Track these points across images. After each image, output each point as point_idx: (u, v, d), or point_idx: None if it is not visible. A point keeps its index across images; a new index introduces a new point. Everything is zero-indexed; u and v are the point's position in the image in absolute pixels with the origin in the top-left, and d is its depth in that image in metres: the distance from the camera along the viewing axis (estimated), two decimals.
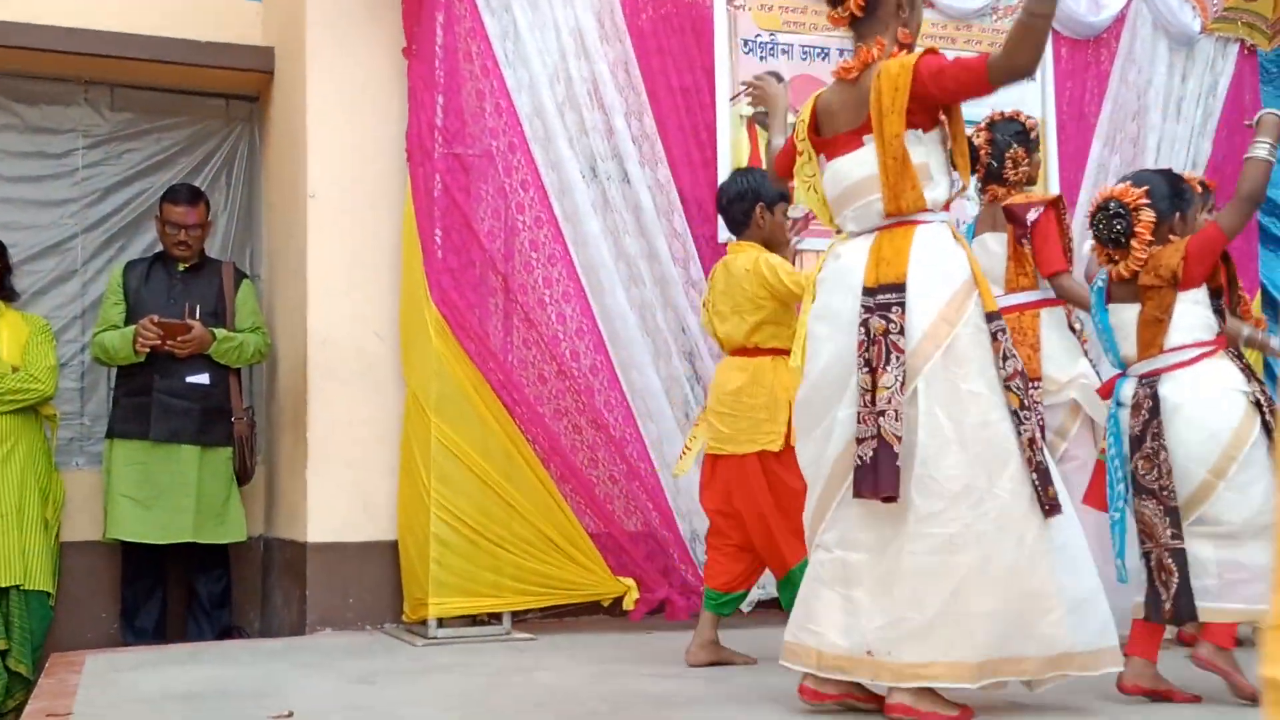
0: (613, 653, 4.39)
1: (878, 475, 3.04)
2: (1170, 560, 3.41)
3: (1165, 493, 3.43)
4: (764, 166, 4.38)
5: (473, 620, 4.75)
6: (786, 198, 4.23)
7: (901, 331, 3.07)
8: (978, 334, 3.10)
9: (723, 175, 5.04)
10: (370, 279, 5.02)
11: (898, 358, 3.06)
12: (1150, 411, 3.47)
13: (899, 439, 3.02)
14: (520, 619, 4.89)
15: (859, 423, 3.09)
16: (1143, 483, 3.47)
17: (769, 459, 4.07)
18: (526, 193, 4.99)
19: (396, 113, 5.02)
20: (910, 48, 3.26)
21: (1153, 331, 3.56)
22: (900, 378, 3.05)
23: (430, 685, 3.82)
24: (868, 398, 3.07)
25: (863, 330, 3.10)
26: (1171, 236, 3.60)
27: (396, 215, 5.00)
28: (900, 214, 3.19)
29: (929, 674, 3.01)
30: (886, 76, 3.13)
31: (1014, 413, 3.07)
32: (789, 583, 3.95)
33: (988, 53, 3.20)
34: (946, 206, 3.30)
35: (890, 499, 3.03)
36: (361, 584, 4.93)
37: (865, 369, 3.08)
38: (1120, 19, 6.03)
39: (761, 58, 5.42)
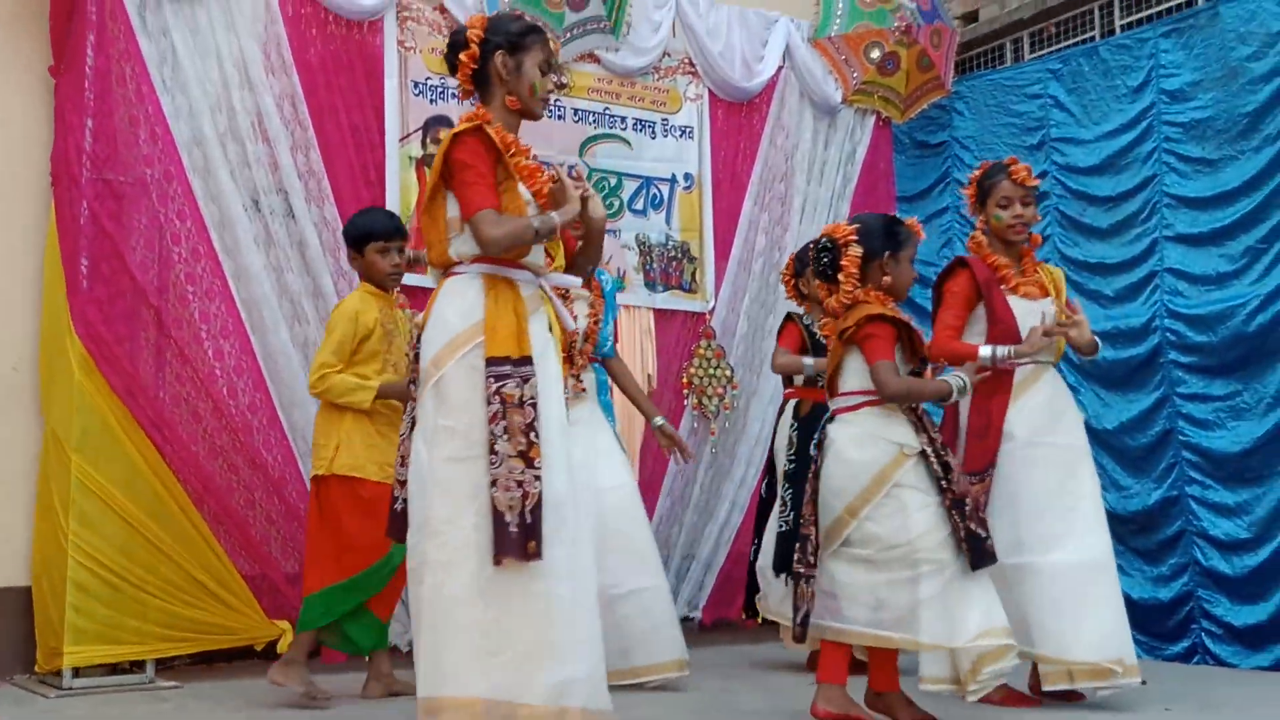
0: (260, 697, 4.30)
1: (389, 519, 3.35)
2: (804, 585, 3.70)
3: (805, 522, 3.73)
4: None
5: (113, 669, 4.56)
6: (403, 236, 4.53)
7: (414, 382, 3.29)
8: (470, 375, 3.16)
9: None
10: (8, 308, 4.82)
11: (410, 406, 3.28)
12: (819, 447, 3.75)
13: (400, 483, 3.28)
14: (166, 666, 4.72)
15: None
16: (801, 511, 3.79)
17: (316, 483, 4.33)
18: (183, 223, 4.89)
19: (41, 133, 4.86)
20: (524, 111, 3.39)
21: (832, 376, 3.85)
22: (408, 424, 3.27)
23: None
24: None
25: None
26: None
27: (40, 241, 4.82)
28: (438, 266, 3.35)
29: (441, 708, 3.02)
30: (444, 142, 3.29)
31: (492, 453, 3.08)
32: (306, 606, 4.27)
33: (477, 210, 3.23)
34: (515, 259, 3.28)
35: (395, 540, 3.35)
36: None
37: None
38: (771, 86, 6.39)
39: (431, 100, 5.53)
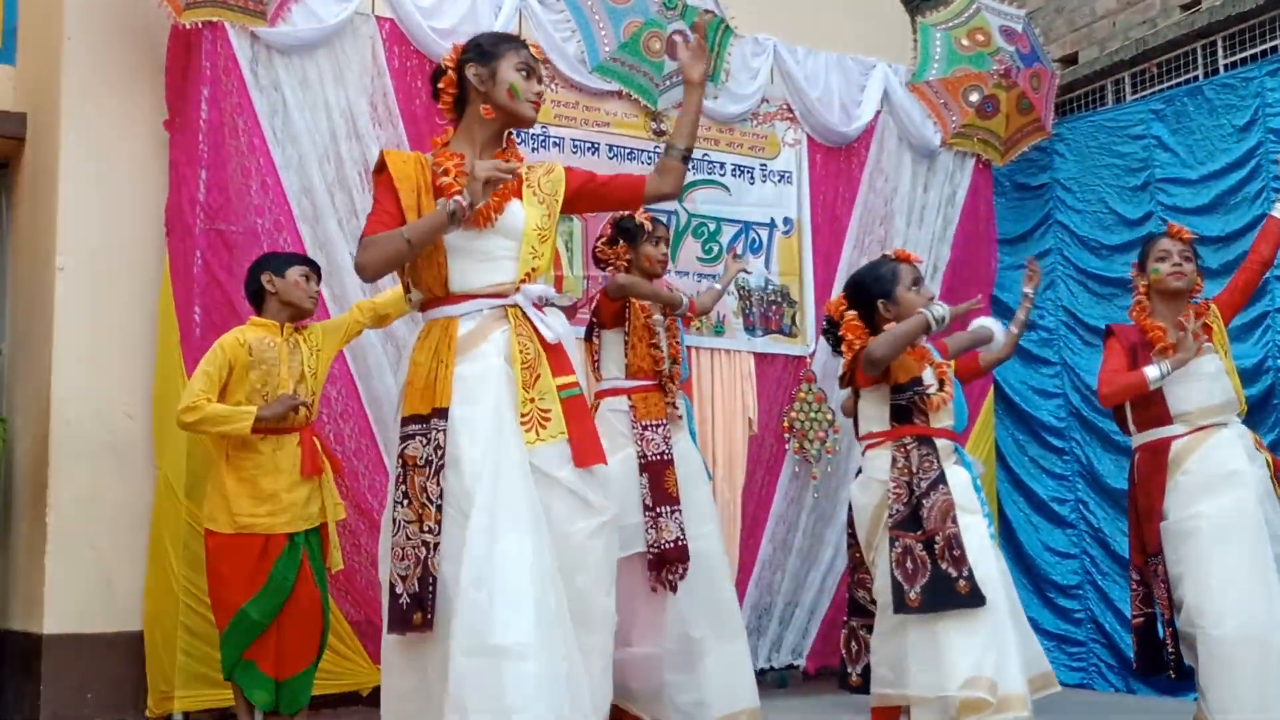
0: None
1: None
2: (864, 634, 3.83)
3: (855, 577, 3.93)
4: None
5: (221, 715, 4.59)
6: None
7: None
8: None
9: None
10: (123, 356, 4.89)
11: None
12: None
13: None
14: (274, 711, 4.66)
15: None
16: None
17: None
18: None
19: (156, 185, 4.94)
20: (510, 117, 3.26)
21: (855, 424, 4.02)
22: None
23: None
24: None
25: None
26: (888, 319, 3.84)
27: (154, 291, 4.90)
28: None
29: None
30: None
31: (393, 521, 3.04)
32: None
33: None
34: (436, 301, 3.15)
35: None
36: (102, 678, 4.72)
37: None
38: (869, 130, 6.40)
39: (534, 149, 5.54)
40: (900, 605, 3.48)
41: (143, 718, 4.74)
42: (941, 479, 3.60)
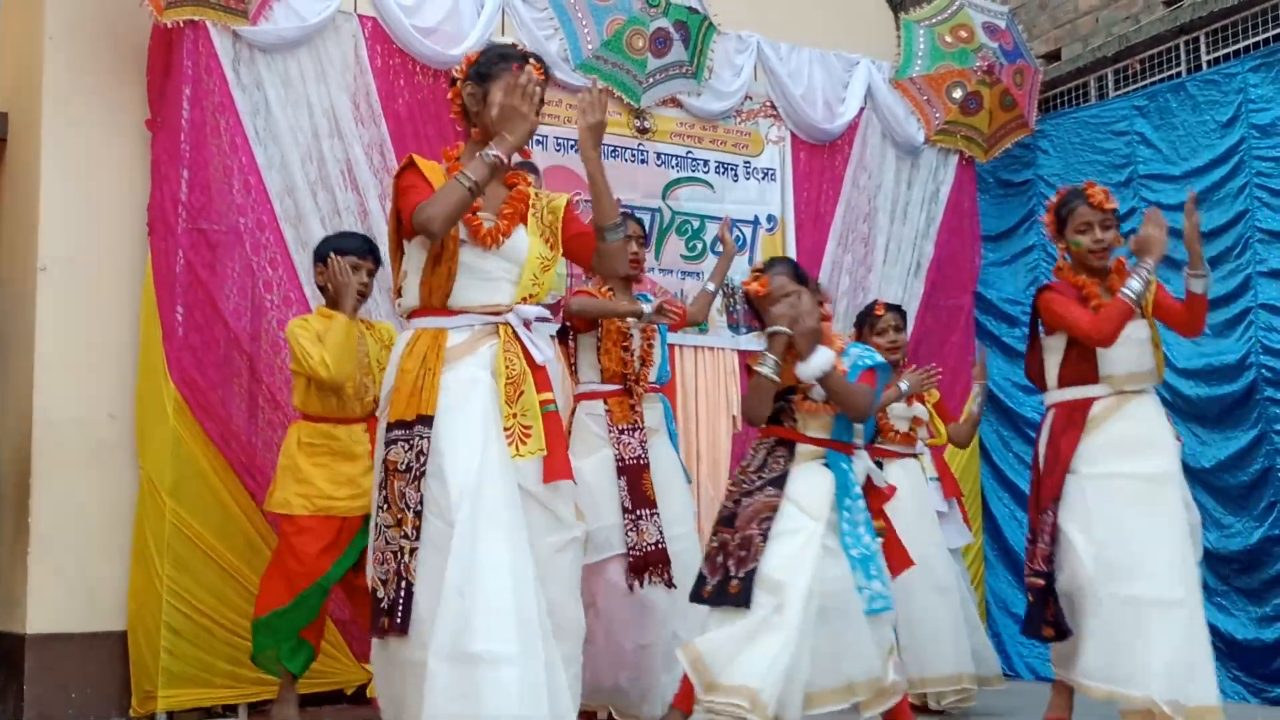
0: None
1: None
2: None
3: None
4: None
5: (206, 713, 4.59)
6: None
7: None
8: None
9: None
10: (105, 356, 4.88)
11: None
12: None
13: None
14: (258, 710, 4.69)
15: None
16: None
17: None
18: (275, 271, 4.97)
19: (138, 184, 4.94)
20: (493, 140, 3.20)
21: None
22: None
23: None
24: None
25: None
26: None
27: (136, 290, 4.89)
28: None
29: None
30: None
31: (374, 526, 3.13)
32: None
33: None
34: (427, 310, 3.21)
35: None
36: (85, 677, 4.73)
37: None
38: (853, 127, 6.42)
39: None
40: (696, 595, 3.54)
41: (126, 717, 4.74)
42: (777, 481, 3.55)
